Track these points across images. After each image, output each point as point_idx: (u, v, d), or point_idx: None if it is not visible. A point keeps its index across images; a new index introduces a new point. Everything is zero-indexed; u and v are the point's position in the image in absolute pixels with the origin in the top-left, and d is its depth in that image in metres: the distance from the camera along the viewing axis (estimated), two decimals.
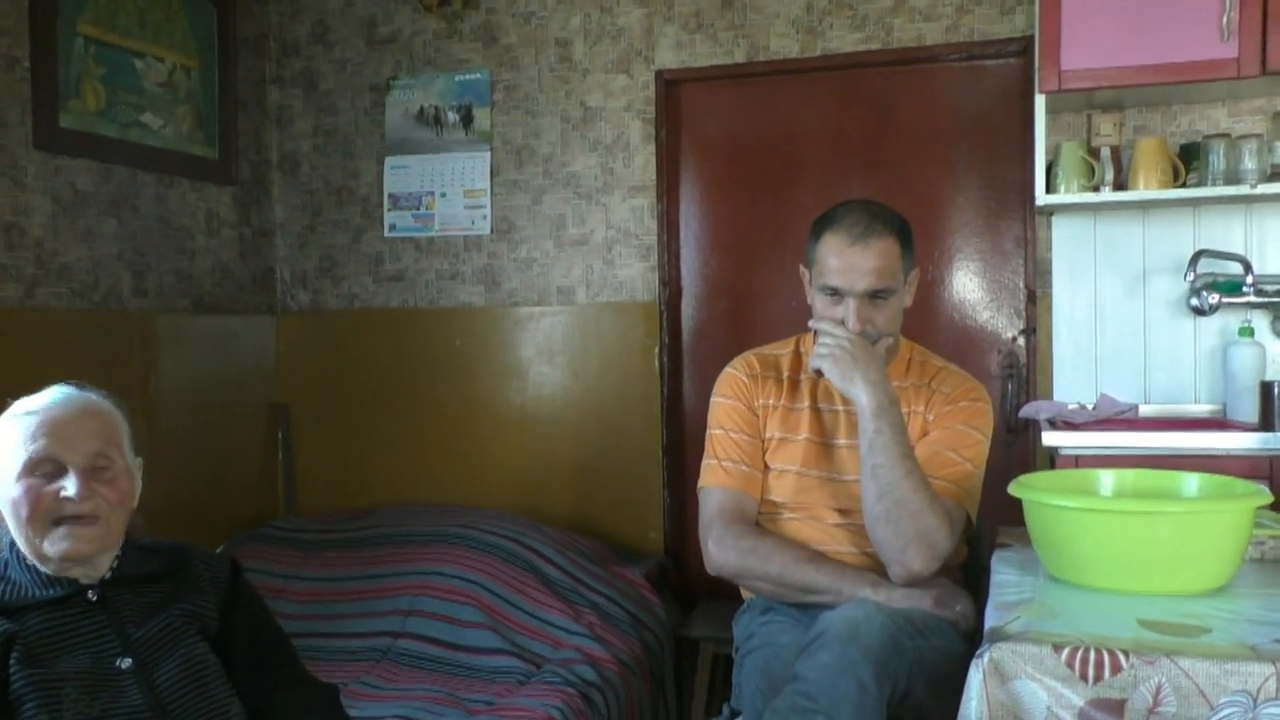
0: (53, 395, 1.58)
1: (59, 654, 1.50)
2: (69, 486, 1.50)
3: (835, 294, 2.04)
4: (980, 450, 2.07)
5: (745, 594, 2.24)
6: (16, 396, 1.61)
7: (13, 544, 1.56)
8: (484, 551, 3.10)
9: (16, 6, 2.88)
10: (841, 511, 2.09)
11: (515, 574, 3.05)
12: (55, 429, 1.53)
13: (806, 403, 2.16)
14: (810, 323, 2.09)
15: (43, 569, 1.55)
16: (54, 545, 1.51)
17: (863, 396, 1.96)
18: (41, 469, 1.51)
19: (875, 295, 2.02)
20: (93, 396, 1.61)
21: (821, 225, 2.10)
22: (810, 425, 2.14)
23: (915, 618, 1.83)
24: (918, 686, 1.73)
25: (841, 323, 2.02)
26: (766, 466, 2.16)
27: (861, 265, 2.01)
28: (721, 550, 2.07)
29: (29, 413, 1.55)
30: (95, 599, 1.56)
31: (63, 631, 1.52)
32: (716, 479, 2.14)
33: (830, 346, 2.00)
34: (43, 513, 1.50)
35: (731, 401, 2.18)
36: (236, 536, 3.42)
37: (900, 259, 2.06)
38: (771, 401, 2.18)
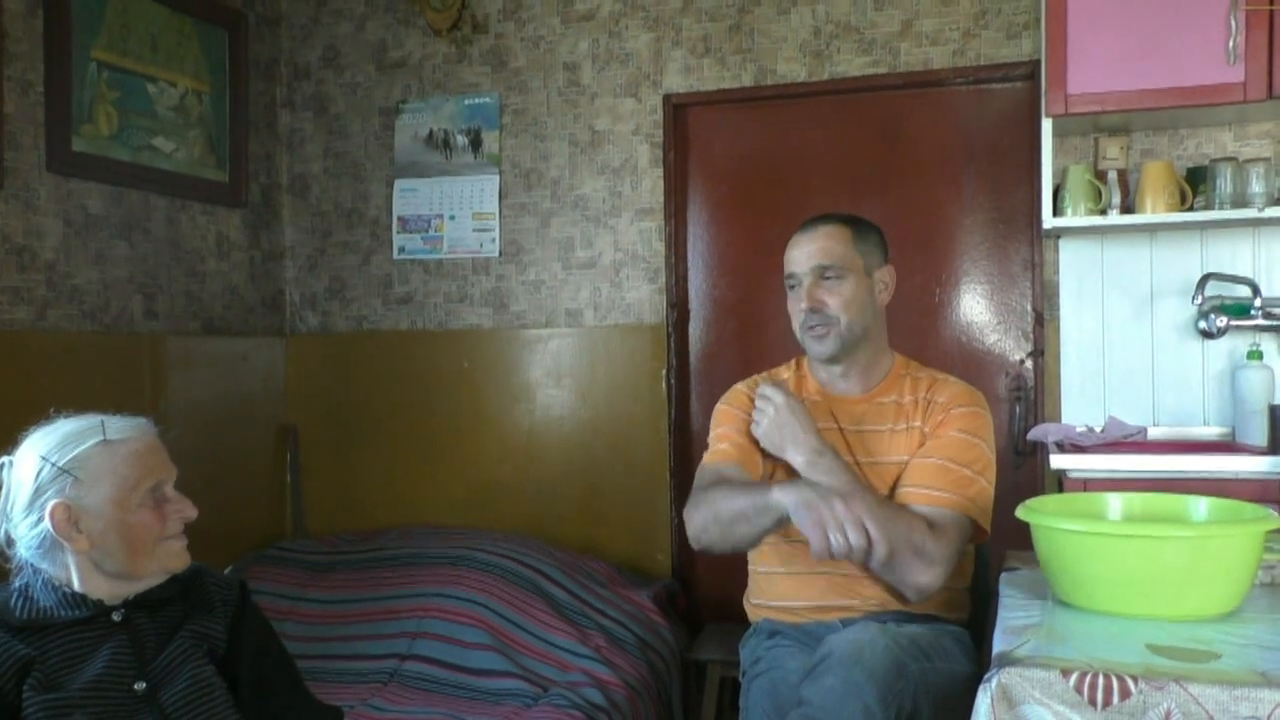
0: (120, 424, 1.63)
1: (77, 673, 1.52)
2: (187, 507, 1.64)
3: (796, 284, 2.14)
4: (978, 454, 2.07)
5: (752, 618, 2.24)
6: (29, 418, 1.63)
7: (34, 567, 1.58)
8: (491, 573, 3.09)
9: (31, 31, 2.92)
10: None
11: (522, 596, 3.04)
12: (152, 455, 1.63)
13: None
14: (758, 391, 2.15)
15: (75, 589, 1.57)
16: (174, 559, 1.63)
17: (794, 459, 2.03)
18: (152, 494, 1.61)
19: (825, 275, 2.11)
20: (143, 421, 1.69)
21: None
22: None
23: (920, 640, 1.83)
24: (924, 709, 1.73)
25: (776, 389, 2.10)
26: None
27: (808, 246, 2.13)
28: (688, 515, 2.08)
29: (121, 441, 1.60)
30: (119, 620, 1.59)
31: (85, 651, 1.55)
32: (707, 459, 2.18)
33: (759, 413, 2.09)
34: (168, 532, 1.61)
35: (735, 409, 2.21)
36: (244, 557, 3.43)
37: (852, 244, 2.13)
38: None
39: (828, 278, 2.10)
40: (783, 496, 1.88)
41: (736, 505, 1.97)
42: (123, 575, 1.59)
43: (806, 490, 1.88)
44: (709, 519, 2.03)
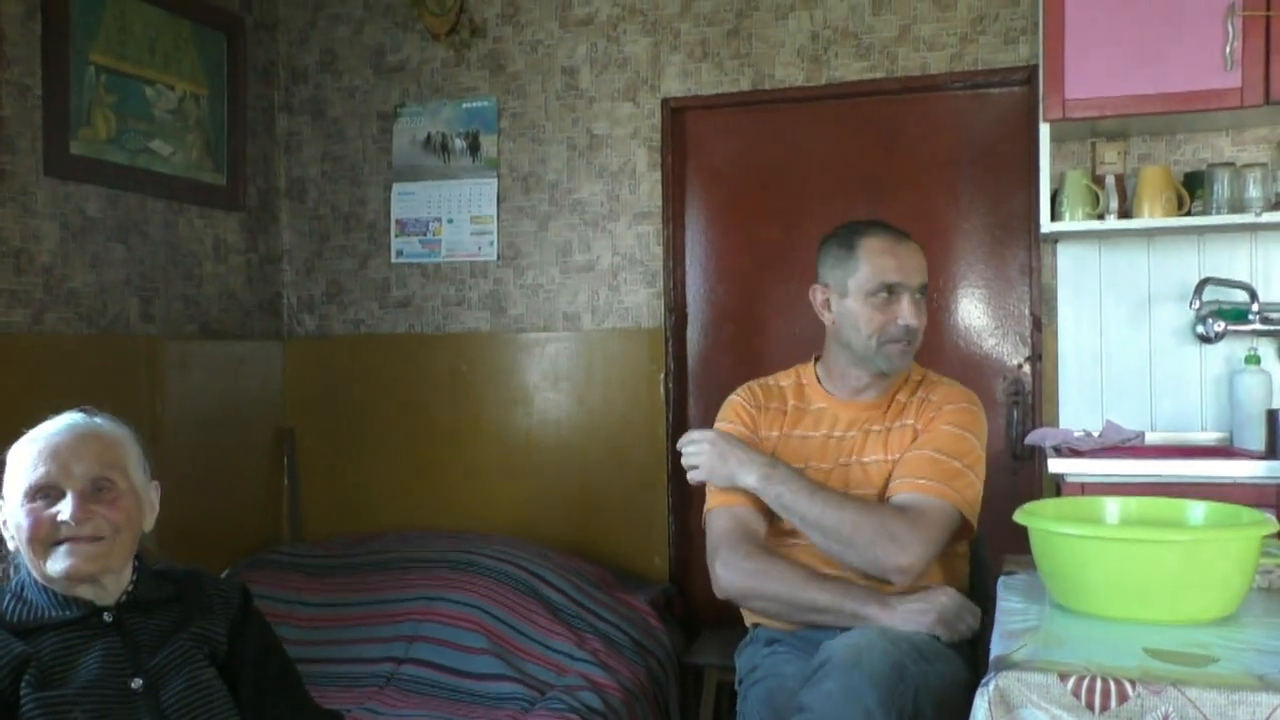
0: (58, 423, 1.61)
1: (73, 672, 1.52)
2: (64, 509, 1.54)
3: (890, 293, 2.09)
4: (966, 446, 2.08)
5: (749, 622, 2.24)
6: (25, 421, 1.63)
7: (26, 565, 1.58)
8: (488, 577, 3.09)
9: (29, 35, 2.92)
10: None
11: (520, 600, 3.04)
12: (55, 455, 1.56)
13: (808, 431, 2.19)
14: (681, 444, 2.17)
15: (57, 591, 1.57)
16: (55, 564, 1.54)
17: (747, 481, 2.05)
18: (42, 494, 1.55)
19: (920, 293, 2.12)
20: (98, 420, 1.64)
21: (853, 234, 2.15)
22: (809, 452, 2.17)
23: (919, 642, 1.83)
24: (925, 711, 1.73)
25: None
26: None
27: (913, 261, 2.12)
28: (728, 573, 2.07)
29: (33, 440, 1.58)
30: (110, 620, 1.58)
31: (78, 649, 1.54)
32: (720, 499, 2.15)
33: (692, 457, 2.12)
34: (43, 536, 1.54)
35: (736, 426, 2.21)
36: (241, 561, 3.42)
37: None
38: (775, 433, 2.20)
39: (920, 296, 2.12)
40: (887, 616, 1.90)
41: (813, 600, 1.98)
42: (44, 580, 1.56)
43: (903, 608, 1.91)
44: (762, 595, 2.05)
